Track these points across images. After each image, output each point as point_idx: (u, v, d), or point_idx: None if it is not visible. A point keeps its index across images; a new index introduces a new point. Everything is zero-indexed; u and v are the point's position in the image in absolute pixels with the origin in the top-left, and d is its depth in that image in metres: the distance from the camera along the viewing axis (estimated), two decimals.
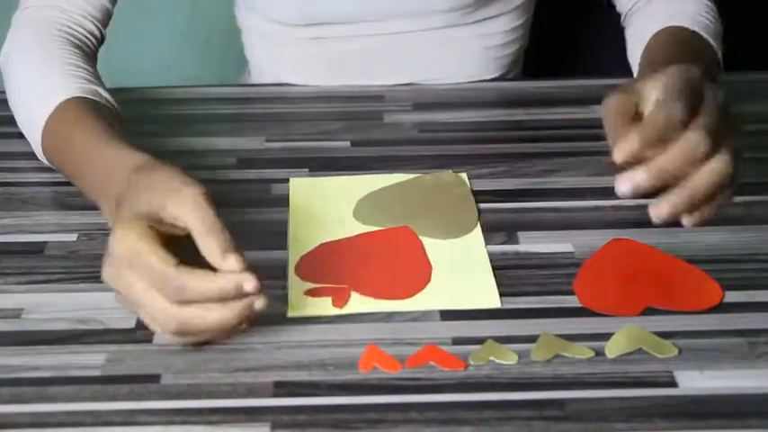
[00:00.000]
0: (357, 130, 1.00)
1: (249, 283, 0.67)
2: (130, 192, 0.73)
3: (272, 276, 0.77)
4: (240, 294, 0.67)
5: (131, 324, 0.72)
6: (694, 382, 0.66)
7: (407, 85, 1.11)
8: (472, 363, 0.68)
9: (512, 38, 1.15)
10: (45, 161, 0.90)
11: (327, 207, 0.86)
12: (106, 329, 0.72)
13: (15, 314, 0.73)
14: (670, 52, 0.92)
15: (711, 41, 0.98)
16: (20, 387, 0.66)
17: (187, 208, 0.69)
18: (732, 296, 0.74)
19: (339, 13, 1.09)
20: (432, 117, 1.03)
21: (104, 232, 0.83)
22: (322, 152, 0.96)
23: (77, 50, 0.95)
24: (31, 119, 0.89)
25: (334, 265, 0.78)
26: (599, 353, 0.68)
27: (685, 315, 0.72)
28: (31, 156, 0.94)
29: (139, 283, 0.67)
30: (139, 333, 0.71)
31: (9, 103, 0.94)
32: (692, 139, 0.70)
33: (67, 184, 0.89)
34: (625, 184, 0.70)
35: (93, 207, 0.86)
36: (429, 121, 1.02)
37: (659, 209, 0.71)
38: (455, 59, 1.12)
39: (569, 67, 1.28)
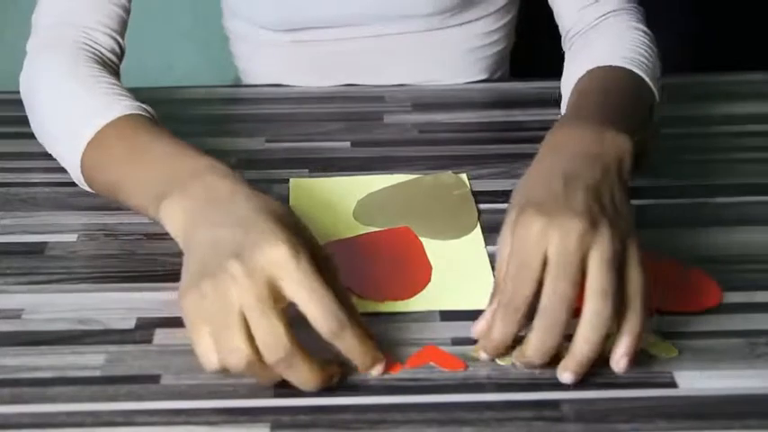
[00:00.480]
0: (357, 131, 1.00)
1: (378, 369, 0.66)
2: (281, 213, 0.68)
3: None
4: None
5: (131, 324, 0.72)
6: (694, 382, 0.66)
7: (401, 85, 1.11)
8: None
9: (494, 39, 1.15)
10: (83, 182, 0.85)
11: (327, 207, 0.86)
12: (106, 330, 0.72)
13: (15, 314, 0.73)
14: (593, 103, 0.83)
15: (647, 80, 0.89)
16: (20, 387, 0.66)
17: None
18: (732, 296, 0.74)
19: (320, 18, 1.09)
20: (432, 118, 1.03)
21: (105, 232, 0.83)
22: (322, 152, 0.96)
23: (104, 68, 0.91)
24: (74, 140, 0.83)
25: None
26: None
27: (685, 315, 0.72)
28: (32, 156, 0.94)
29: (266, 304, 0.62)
30: (139, 333, 0.71)
31: (37, 134, 0.90)
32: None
33: (68, 184, 0.89)
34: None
35: (93, 207, 0.86)
36: (429, 121, 1.03)
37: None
38: (437, 62, 1.13)
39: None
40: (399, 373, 0.67)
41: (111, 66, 0.95)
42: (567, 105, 0.86)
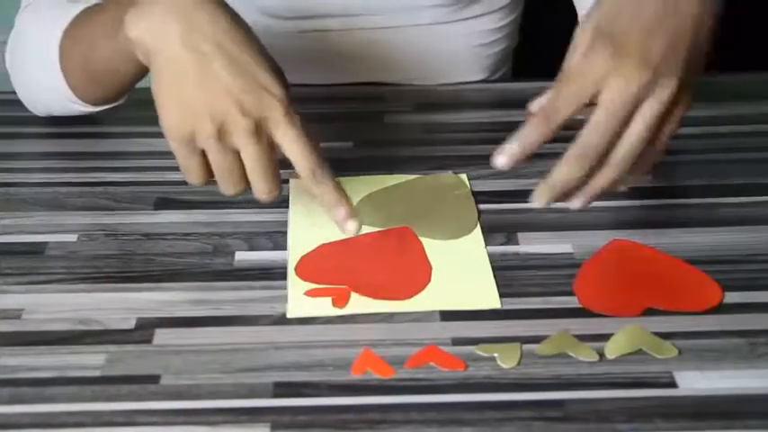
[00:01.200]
0: (358, 131, 1.00)
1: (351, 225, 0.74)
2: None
3: (272, 276, 0.77)
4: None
5: (131, 324, 0.72)
6: (694, 382, 0.66)
7: (402, 85, 1.11)
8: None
9: (498, 36, 1.15)
10: (67, 87, 0.90)
11: None
12: (106, 330, 0.72)
13: (15, 314, 0.73)
14: None
15: None
16: (20, 387, 0.66)
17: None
18: (732, 296, 0.74)
19: (327, 5, 1.09)
20: (432, 118, 1.03)
21: (105, 232, 0.83)
22: (323, 152, 0.96)
23: None
24: (51, 46, 0.88)
25: (334, 266, 0.78)
26: (599, 353, 0.68)
27: (685, 315, 0.72)
28: (32, 156, 0.94)
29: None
30: (139, 333, 0.71)
31: (24, 88, 0.94)
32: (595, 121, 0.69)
33: (68, 184, 0.89)
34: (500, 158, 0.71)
35: (93, 207, 0.86)
36: (430, 122, 1.02)
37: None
38: (442, 57, 1.13)
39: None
40: (399, 373, 0.67)
41: None
42: None
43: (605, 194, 0.72)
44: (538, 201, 0.71)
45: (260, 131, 0.72)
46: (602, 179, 0.71)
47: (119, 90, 0.90)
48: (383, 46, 1.11)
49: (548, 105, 0.71)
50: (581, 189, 0.72)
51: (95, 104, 0.92)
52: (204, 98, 0.71)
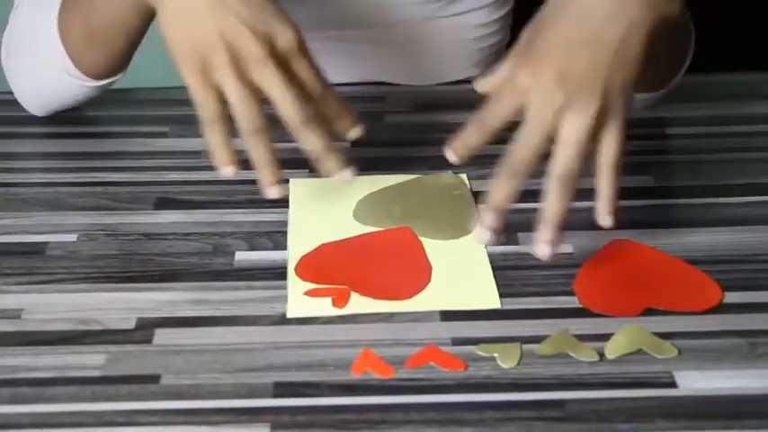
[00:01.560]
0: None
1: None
2: None
3: (272, 276, 0.77)
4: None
5: (131, 324, 0.72)
6: (694, 382, 0.66)
7: (394, 85, 1.11)
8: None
9: (489, 31, 1.15)
10: (69, 62, 0.90)
11: (327, 207, 0.86)
12: (106, 330, 0.72)
13: (15, 314, 0.73)
14: None
15: None
16: (20, 387, 0.66)
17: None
18: (732, 296, 0.74)
19: (312, 21, 1.09)
20: (432, 118, 1.03)
21: (105, 232, 0.83)
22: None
23: None
24: (50, 24, 0.89)
25: (334, 266, 0.78)
26: (599, 353, 0.68)
27: (685, 315, 0.72)
28: (32, 156, 0.94)
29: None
30: (139, 333, 0.71)
31: (17, 77, 0.94)
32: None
33: (68, 184, 0.89)
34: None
35: (93, 207, 0.86)
36: (429, 122, 1.02)
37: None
38: (432, 53, 1.13)
39: None
40: (399, 373, 0.67)
41: None
42: None
43: (566, 225, 0.73)
44: (482, 227, 0.74)
45: (275, 60, 0.73)
46: (552, 205, 0.72)
47: (121, 50, 0.89)
48: (373, 42, 1.11)
49: (480, 118, 0.75)
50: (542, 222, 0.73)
51: (97, 77, 0.91)
52: (215, 26, 0.71)
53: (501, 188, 0.74)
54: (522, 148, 0.73)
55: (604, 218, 0.74)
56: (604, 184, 0.73)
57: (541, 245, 0.73)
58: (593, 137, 0.72)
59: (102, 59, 0.90)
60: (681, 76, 0.93)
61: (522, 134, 0.73)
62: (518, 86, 0.73)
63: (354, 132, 0.82)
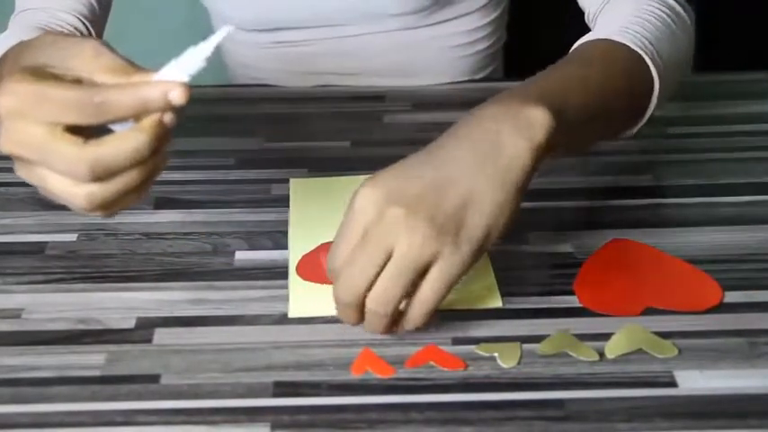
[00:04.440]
0: (357, 131, 1.00)
1: (177, 90, 0.62)
2: (21, 56, 0.67)
3: (272, 276, 0.77)
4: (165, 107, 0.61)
5: (131, 324, 0.72)
6: (694, 382, 0.66)
7: (400, 86, 1.11)
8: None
9: (479, 36, 1.15)
10: None
11: (327, 207, 0.86)
12: (106, 329, 0.72)
13: (15, 314, 0.73)
14: (542, 75, 0.77)
15: (638, 50, 0.81)
16: (20, 387, 0.66)
17: (89, 54, 0.62)
18: (732, 296, 0.74)
19: (293, 18, 1.10)
20: (432, 118, 1.03)
21: (104, 232, 0.83)
22: (322, 152, 0.96)
23: None
24: None
25: None
26: (599, 353, 0.68)
27: (685, 315, 0.72)
28: None
29: (40, 129, 0.60)
30: (139, 333, 0.71)
31: None
32: None
33: None
34: None
35: None
36: (429, 121, 1.02)
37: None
38: (417, 61, 1.13)
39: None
40: (399, 372, 0.67)
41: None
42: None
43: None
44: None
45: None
46: (368, 328, 0.68)
47: None
48: (358, 54, 1.12)
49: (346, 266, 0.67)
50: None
51: None
52: None
53: (367, 323, 0.67)
54: (351, 266, 0.66)
55: (400, 328, 0.68)
56: (407, 312, 0.67)
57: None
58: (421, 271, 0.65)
59: None
60: (646, 120, 0.88)
61: (354, 251, 0.66)
62: (390, 230, 0.65)
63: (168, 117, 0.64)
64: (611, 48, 0.82)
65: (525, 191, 0.69)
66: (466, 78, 1.16)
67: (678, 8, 0.89)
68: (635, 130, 0.85)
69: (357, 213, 0.66)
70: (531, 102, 0.69)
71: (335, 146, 0.97)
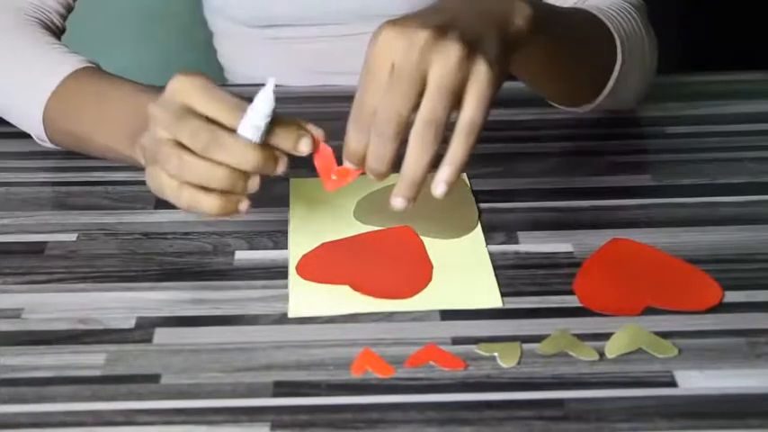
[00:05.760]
0: None
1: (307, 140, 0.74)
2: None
3: (272, 276, 0.77)
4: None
5: (131, 324, 0.72)
6: (694, 382, 0.66)
7: None
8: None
9: None
10: (44, 137, 0.91)
11: (328, 206, 0.86)
12: (106, 329, 0.72)
13: (15, 314, 0.73)
14: None
15: (603, 20, 0.90)
16: (20, 387, 0.66)
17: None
18: (732, 296, 0.74)
19: (292, 15, 1.10)
20: None
21: (104, 232, 0.83)
22: None
23: (48, 30, 0.96)
24: (35, 94, 0.89)
25: (334, 265, 0.78)
26: (599, 352, 0.68)
27: (685, 315, 0.72)
28: (32, 156, 0.94)
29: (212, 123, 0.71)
30: (139, 333, 0.71)
31: None
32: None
33: (68, 183, 0.89)
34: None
35: (93, 207, 0.86)
36: None
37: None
38: None
39: None
40: (399, 372, 0.67)
41: (56, 30, 0.99)
42: None
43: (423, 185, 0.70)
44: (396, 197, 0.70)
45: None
46: (412, 155, 0.68)
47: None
48: (358, 54, 1.12)
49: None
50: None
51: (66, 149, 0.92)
52: None
53: (372, 145, 0.70)
54: (391, 96, 0.67)
55: (438, 185, 0.69)
56: (451, 148, 0.69)
57: (398, 198, 0.69)
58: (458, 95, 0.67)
59: (79, 151, 0.91)
60: (604, 96, 0.92)
61: (391, 82, 0.67)
62: (387, 46, 0.68)
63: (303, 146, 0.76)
64: (590, 14, 0.90)
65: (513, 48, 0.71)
66: None
67: (645, 21, 0.96)
68: (593, 104, 0.92)
69: (381, 50, 0.68)
70: None
71: (336, 145, 0.97)
